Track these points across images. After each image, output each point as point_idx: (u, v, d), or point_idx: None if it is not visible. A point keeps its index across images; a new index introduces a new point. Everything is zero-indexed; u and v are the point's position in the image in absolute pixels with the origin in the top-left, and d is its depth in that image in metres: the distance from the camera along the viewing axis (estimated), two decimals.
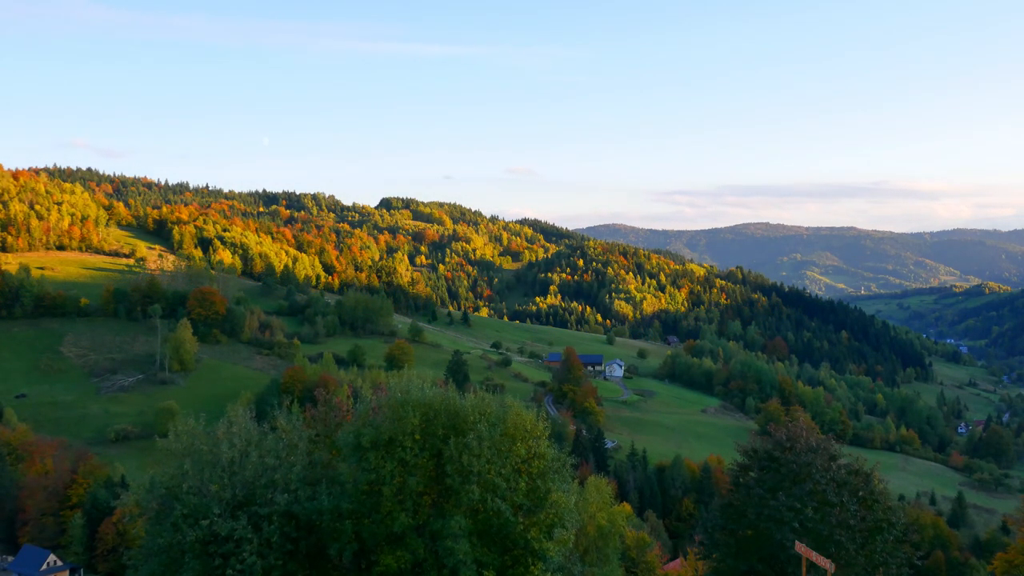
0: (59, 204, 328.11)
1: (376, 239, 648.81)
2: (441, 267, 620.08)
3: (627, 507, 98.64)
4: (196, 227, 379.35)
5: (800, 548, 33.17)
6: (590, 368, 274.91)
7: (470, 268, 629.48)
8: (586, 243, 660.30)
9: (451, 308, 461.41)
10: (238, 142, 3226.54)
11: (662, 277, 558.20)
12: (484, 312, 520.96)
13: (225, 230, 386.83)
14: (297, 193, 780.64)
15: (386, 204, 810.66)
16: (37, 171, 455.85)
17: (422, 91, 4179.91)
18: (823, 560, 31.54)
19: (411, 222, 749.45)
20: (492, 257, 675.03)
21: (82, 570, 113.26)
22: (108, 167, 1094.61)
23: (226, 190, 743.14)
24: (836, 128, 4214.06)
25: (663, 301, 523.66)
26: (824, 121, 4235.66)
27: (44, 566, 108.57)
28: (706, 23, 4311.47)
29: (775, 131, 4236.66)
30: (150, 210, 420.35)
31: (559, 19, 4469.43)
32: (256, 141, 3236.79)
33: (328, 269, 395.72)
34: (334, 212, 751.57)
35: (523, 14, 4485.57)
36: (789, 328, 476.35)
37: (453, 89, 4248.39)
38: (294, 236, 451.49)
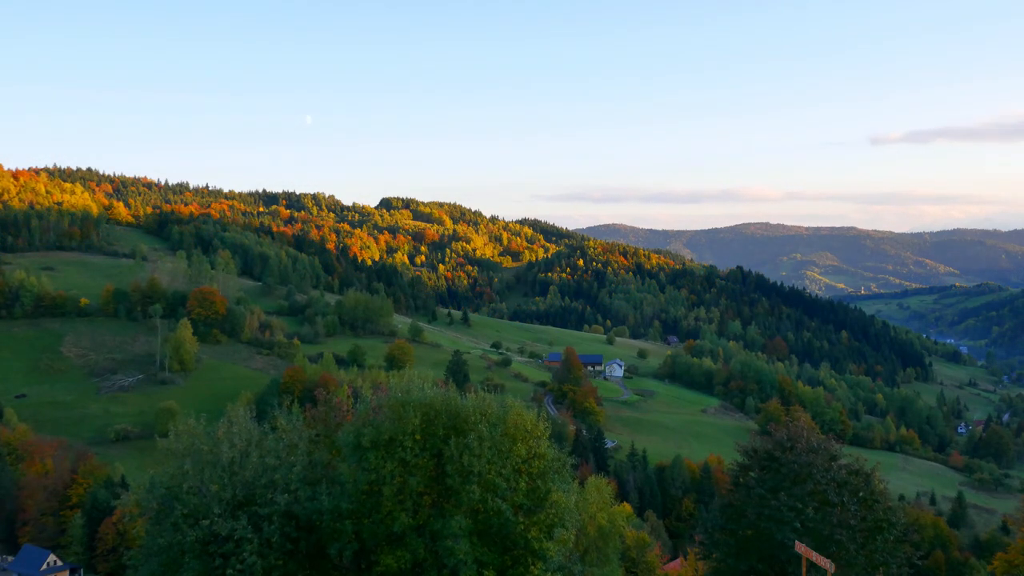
0: (59, 204, 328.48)
1: (376, 239, 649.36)
2: (441, 267, 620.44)
3: (627, 507, 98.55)
4: (196, 227, 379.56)
5: (800, 548, 33.14)
6: (590, 368, 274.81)
7: (470, 268, 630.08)
8: (586, 243, 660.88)
9: (451, 308, 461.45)
10: (239, 142, 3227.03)
11: (662, 277, 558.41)
12: (484, 311, 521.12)
13: (225, 230, 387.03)
14: (297, 193, 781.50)
15: (386, 204, 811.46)
16: (37, 171, 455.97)
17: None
18: (823, 560, 31.51)
19: (411, 222, 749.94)
20: (492, 257, 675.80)
21: (82, 570, 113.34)
22: (108, 167, 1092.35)
23: (226, 190, 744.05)
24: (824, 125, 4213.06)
25: (663, 301, 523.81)
26: (814, 119, 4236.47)
27: (44, 566, 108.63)
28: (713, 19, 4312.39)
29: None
30: (150, 210, 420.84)
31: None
32: (255, 141, 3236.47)
33: (328, 269, 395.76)
34: (334, 212, 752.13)
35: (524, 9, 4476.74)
36: (789, 328, 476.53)
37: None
38: (294, 236, 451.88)
